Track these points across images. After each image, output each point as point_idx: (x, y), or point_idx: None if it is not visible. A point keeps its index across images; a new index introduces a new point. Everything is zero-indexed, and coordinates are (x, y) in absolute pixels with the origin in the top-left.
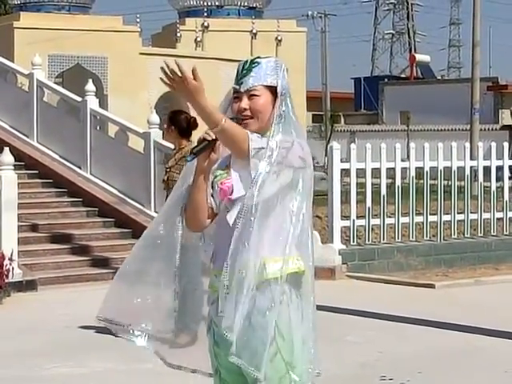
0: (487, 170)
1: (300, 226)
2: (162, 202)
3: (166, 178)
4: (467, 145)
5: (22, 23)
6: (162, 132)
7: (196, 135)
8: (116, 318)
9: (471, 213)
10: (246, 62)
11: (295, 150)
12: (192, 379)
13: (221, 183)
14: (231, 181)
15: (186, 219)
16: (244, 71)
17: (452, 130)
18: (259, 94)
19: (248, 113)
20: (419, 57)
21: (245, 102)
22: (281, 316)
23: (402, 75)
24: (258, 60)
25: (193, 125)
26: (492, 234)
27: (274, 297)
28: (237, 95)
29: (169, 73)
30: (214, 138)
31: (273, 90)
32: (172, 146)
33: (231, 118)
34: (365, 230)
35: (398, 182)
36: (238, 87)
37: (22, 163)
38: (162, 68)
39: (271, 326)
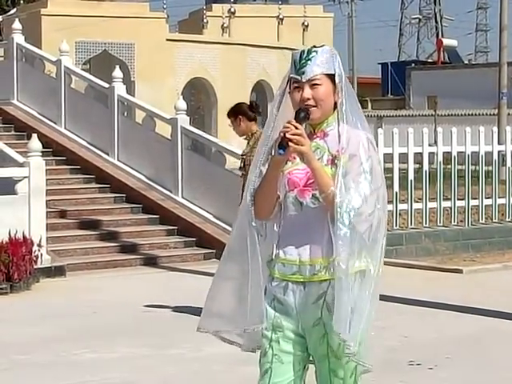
0: None
1: (369, 227)
2: (192, 188)
3: (242, 164)
4: (495, 129)
5: (50, 10)
6: (189, 119)
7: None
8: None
9: (499, 197)
10: (303, 51)
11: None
12: (217, 365)
13: (289, 173)
14: (303, 173)
15: (255, 208)
16: (303, 61)
17: (479, 114)
18: (321, 83)
19: (311, 102)
20: (446, 41)
21: (307, 92)
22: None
23: (429, 60)
24: (315, 49)
25: (256, 107)
26: None
27: (348, 281)
28: (297, 85)
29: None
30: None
31: (331, 77)
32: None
33: (297, 111)
34: (392, 215)
35: (426, 166)
36: (299, 77)
37: (50, 149)
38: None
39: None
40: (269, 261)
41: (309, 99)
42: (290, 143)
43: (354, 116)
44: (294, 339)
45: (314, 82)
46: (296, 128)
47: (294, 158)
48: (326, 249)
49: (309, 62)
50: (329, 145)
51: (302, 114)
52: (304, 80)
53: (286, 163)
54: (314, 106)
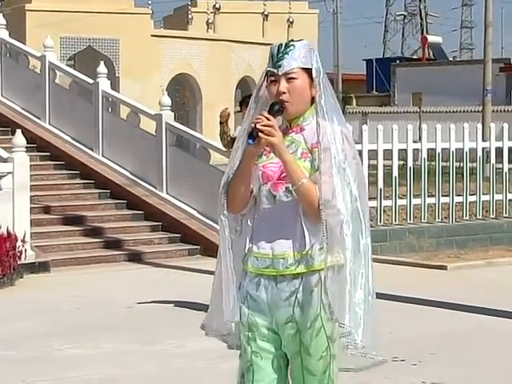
0: (499, 151)
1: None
2: (176, 184)
3: None
4: (479, 126)
5: (34, 5)
6: (174, 115)
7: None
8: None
9: (483, 194)
10: (281, 45)
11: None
12: (200, 362)
13: (263, 166)
14: (277, 166)
15: (228, 201)
16: (280, 54)
17: (464, 111)
18: (297, 77)
19: (287, 96)
20: (431, 38)
21: (283, 85)
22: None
23: (414, 56)
24: (293, 43)
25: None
26: (504, 215)
27: (320, 276)
28: (274, 78)
29: (260, 125)
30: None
31: (309, 72)
32: None
33: (272, 103)
34: (376, 212)
35: (410, 163)
36: (275, 70)
37: (34, 145)
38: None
39: (317, 302)
40: (243, 256)
41: (284, 93)
42: (260, 134)
43: (330, 111)
44: (269, 337)
45: (290, 76)
46: (268, 119)
47: (269, 152)
48: (298, 242)
49: (286, 55)
50: (305, 139)
51: (276, 106)
52: (280, 73)
53: (261, 157)
54: (288, 101)
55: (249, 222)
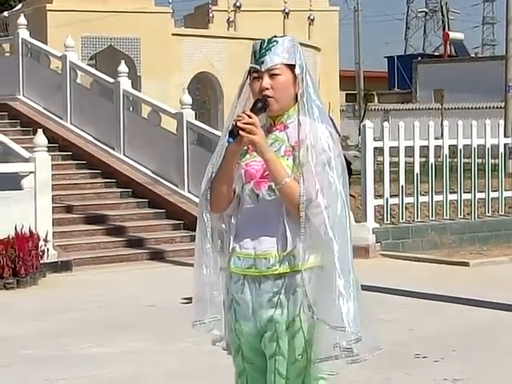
0: None
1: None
2: (196, 182)
3: None
4: (501, 122)
5: (55, 5)
6: (195, 113)
7: None
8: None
9: (505, 190)
10: (264, 41)
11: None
12: (222, 359)
13: (246, 165)
14: (260, 165)
15: (210, 200)
16: (263, 50)
17: (486, 107)
18: (280, 73)
19: (270, 92)
20: (453, 34)
21: (266, 82)
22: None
23: (436, 53)
24: (275, 39)
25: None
26: None
27: (302, 276)
28: (257, 75)
29: (242, 123)
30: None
31: (292, 68)
32: None
33: (256, 101)
34: (398, 209)
35: (432, 160)
36: (258, 67)
37: (56, 145)
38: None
39: (299, 303)
40: (228, 256)
41: (267, 89)
42: (240, 132)
43: (312, 108)
44: (256, 345)
45: (273, 72)
46: (249, 117)
47: (253, 151)
48: (281, 242)
49: (268, 51)
50: (288, 136)
51: (260, 104)
52: (263, 69)
53: (245, 155)
54: (272, 97)
55: (233, 221)
